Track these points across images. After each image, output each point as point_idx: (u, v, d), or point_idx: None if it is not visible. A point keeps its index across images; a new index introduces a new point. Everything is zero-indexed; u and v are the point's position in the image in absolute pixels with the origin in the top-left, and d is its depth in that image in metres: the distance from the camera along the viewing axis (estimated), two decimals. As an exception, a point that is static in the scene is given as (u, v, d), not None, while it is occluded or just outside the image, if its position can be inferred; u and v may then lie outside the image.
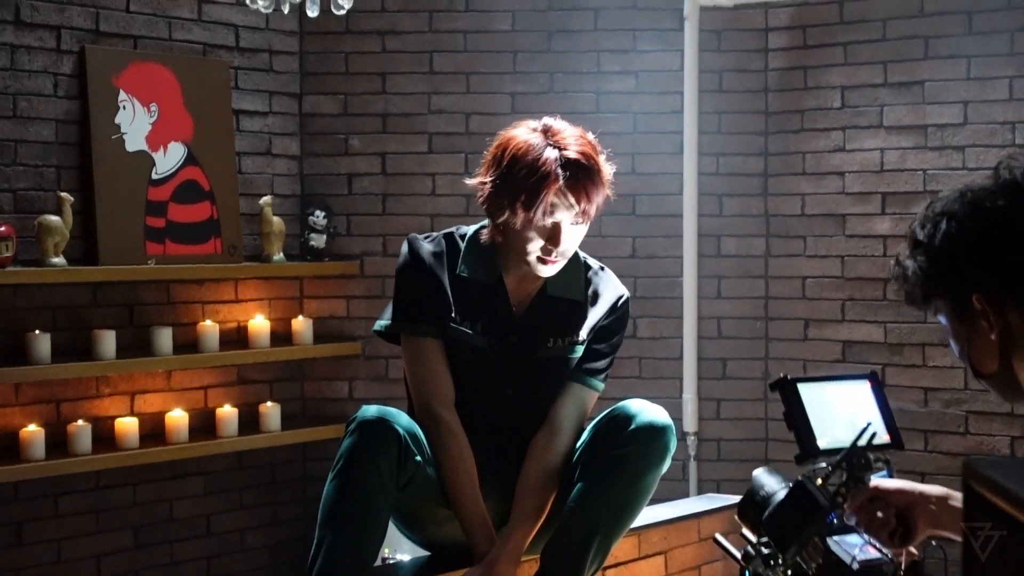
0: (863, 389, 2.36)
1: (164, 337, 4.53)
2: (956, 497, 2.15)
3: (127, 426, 4.47)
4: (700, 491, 4.90)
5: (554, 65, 5.07)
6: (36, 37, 4.39)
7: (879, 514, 2.17)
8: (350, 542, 2.64)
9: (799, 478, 2.23)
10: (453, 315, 2.82)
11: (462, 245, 2.87)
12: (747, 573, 2.24)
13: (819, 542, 2.20)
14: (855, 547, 2.23)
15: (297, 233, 5.04)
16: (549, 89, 5.07)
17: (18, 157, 4.36)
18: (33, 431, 4.26)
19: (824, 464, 2.25)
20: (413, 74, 5.10)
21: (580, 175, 2.75)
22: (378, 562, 3.66)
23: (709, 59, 5.02)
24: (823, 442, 2.29)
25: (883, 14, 4.80)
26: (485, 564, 2.73)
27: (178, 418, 4.60)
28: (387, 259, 4.97)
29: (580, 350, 2.88)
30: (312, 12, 3.90)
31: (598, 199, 2.78)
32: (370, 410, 2.71)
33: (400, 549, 4.17)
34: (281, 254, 4.87)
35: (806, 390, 2.32)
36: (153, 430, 4.61)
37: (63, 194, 4.31)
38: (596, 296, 2.92)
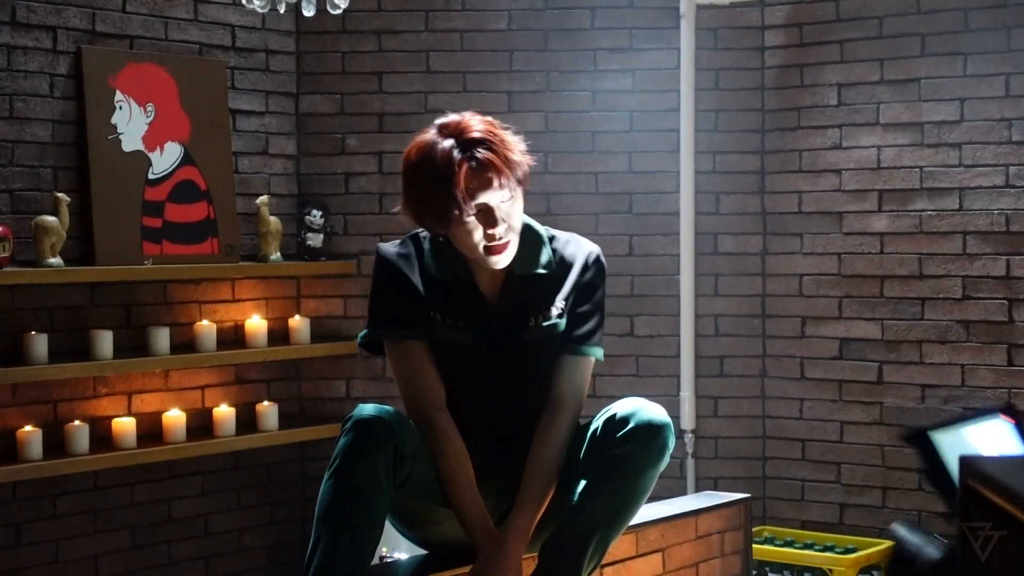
0: (1000, 426, 2.25)
1: (161, 337, 4.53)
2: None
3: (124, 426, 4.47)
4: (698, 488, 4.90)
5: (550, 64, 5.08)
6: (32, 38, 4.39)
7: None
8: (346, 541, 2.63)
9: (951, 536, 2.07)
10: (433, 314, 2.81)
11: (427, 246, 2.85)
12: None
13: None
14: None
15: (294, 233, 5.03)
16: (546, 88, 5.07)
17: (14, 158, 4.35)
18: (30, 431, 4.26)
19: None
20: (409, 73, 5.10)
21: (483, 149, 2.69)
22: (376, 561, 3.67)
23: (705, 57, 5.02)
24: None
25: (879, 11, 4.80)
26: (493, 540, 2.72)
27: (175, 418, 4.60)
28: (384, 258, 4.97)
29: (564, 324, 2.85)
30: (308, 12, 3.90)
31: (514, 167, 2.71)
32: (366, 409, 2.71)
33: (398, 548, 4.18)
34: (278, 254, 4.87)
35: (942, 439, 2.17)
36: (150, 430, 4.61)
37: (60, 195, 4.31)
38: (564, 262, 2.87)
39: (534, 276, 2.84)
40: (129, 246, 4.55)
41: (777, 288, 5.03)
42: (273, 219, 4.85)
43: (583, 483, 2.75)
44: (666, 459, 2.79)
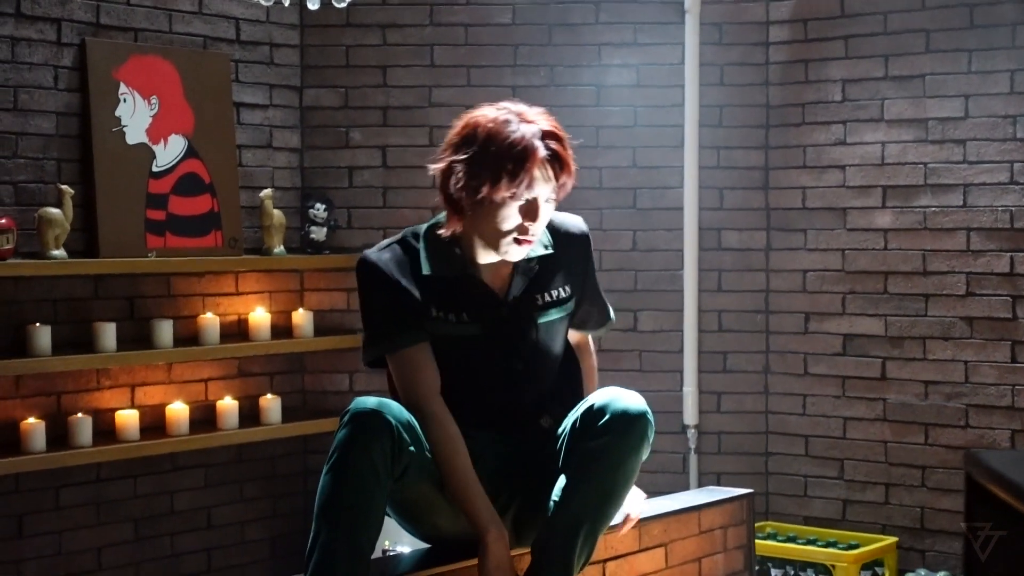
0: None
1: (164, 330, 4.53)
2: None
3: (128, 418, 4.48)
4: (700, 484, 4.90)
5: (555, 58, 5.07)
6: (37, 30, 4.39)
7: None
8: (345, 535, 2.63)
9: None
10: (435, 312, 2.80)
11: (419, 245, 2.82)
12: None
13: None
14: None
15: (298, 226, 5.04)
16: (550, 82, 5.07)
17: (19, 150, 4.36)
18: (34, 423, 4.26)
19: None
20: (414, 67, 5.10)
21: (556, 144, 2.73)
22: (378, 554, 3.67)
23: (710, 52, 5.02)
24: None
25: (884, 7, 4.80)
26: (496, 523, 2.74)
27: (178, 411, 4.60)
28: (388, 252, 4.97)
29: (572, 304, 2.89)
30: (313, 5, 3.90)
31: (572, 172, 2.76)
32: (364, 401, 2.71)
33: (400, 541, 4.18)
34: (281, 247, 4.87)
35: None
36: (153, 423, 4.61)
37: (64, 187, 4.31)
38: (559, 239, 2.89)
39: (537, 258, 2.85)
40: (133, 239, 4.55)
41: (781, 284, 5.03)
42: (277, 212, 4.85)
43: (565, 477, 2.75)
44: (646, 447, 2.78)
